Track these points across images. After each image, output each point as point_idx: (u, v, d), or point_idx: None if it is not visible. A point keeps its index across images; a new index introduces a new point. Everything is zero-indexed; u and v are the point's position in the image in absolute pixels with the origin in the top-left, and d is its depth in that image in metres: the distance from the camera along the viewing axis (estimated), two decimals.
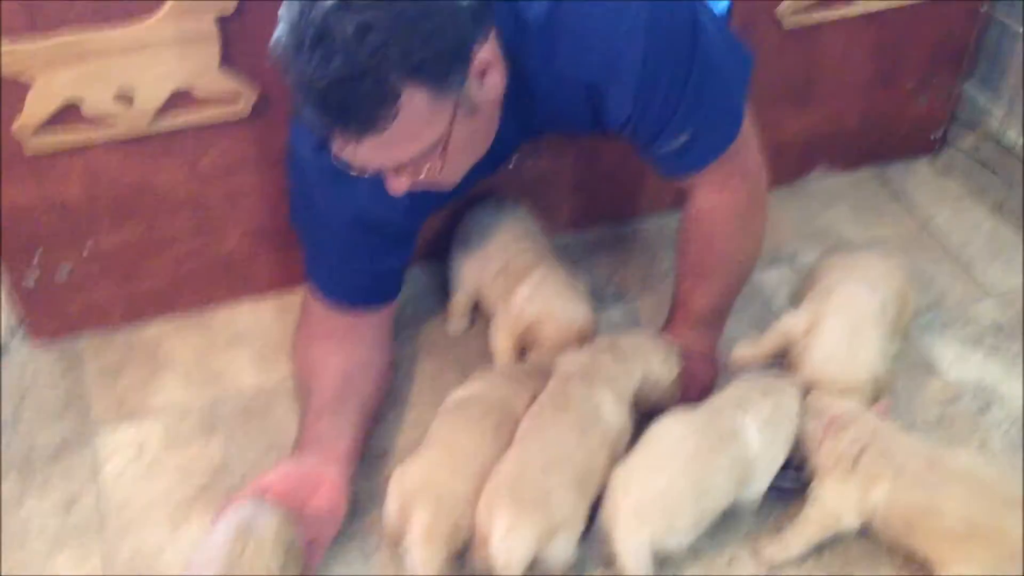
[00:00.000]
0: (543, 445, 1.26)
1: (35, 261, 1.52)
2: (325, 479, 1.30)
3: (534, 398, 1.36)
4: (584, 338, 1.48)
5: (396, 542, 1.27)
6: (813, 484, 1.32)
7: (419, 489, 1.26)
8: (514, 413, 1.35)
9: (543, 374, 1.39)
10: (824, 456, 1.31)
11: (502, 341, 1.54)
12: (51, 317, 1.60)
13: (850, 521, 1.29)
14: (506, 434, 1.32)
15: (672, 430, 1.29)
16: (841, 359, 1.40)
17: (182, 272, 1.62)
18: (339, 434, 1.35)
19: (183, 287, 1.64)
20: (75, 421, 1.51)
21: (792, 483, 1.34)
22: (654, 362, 1.38)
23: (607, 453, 1.30)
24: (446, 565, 1.24)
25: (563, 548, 1.24)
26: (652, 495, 1.23)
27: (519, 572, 1.20)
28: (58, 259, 1.53)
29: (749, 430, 1.30)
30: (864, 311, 1.43)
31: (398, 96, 1.06)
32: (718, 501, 1.28)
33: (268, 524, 1.18)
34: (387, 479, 1.40)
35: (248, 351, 1.62)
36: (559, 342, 1.47)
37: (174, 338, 1.64)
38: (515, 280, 1.54)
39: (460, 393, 1.40)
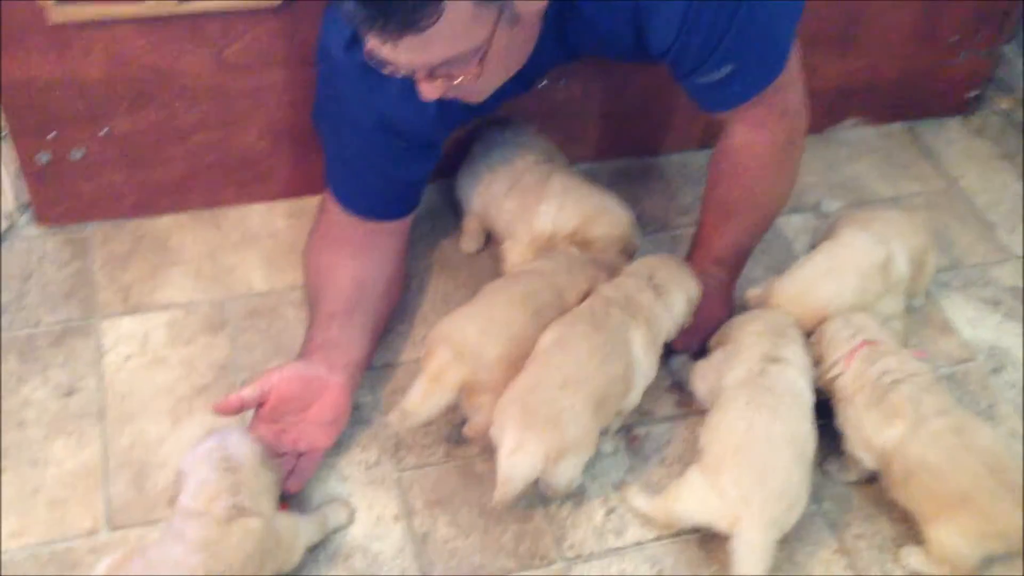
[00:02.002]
0: (565, 361, 1.24)
1: (48, 140, 1.48)
2: (331, 386, 1.29)
3: (589, 290, 1.36)
4: (631, 238, 1.50)
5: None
6: (837, 409, 1.31)
7: (446, 337, 1.28)
8: (563, 298, 1.35)
9: (606, 268, 1.40)
10: (850, 379, 1.30)
11: (518, 257, 1.51)
12: (60, 200, 1.56)
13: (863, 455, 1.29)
14: (549, 315, 1.32)
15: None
16: (801, 288, 1.40)
17: (198, 165, 1.58)
18: (349, 342, 1.33)
19: (197, 181, 1.60)
20: (79, 308, 1.49)
21: None
22: (692, 290, 1.37)
23: (624, 388, 1.29)
24: (437, 411, 1.27)
25: (570, 470, 1.23)
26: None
27: (519, 489, 1.20)
28: (72, 140, 1.49)
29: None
30: (855, 257, 1.42)
31: None
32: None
33: (252, 449, 1.19)
34: (391, 393, 1.40)
35: (258, 252, 1.59)
36: (612, 241, 1.48)
37: (184, 233, 1.61)
38: (532, 197, 1.51)
39: (522, 267, 1.41)
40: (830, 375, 1.33)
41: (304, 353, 1.33)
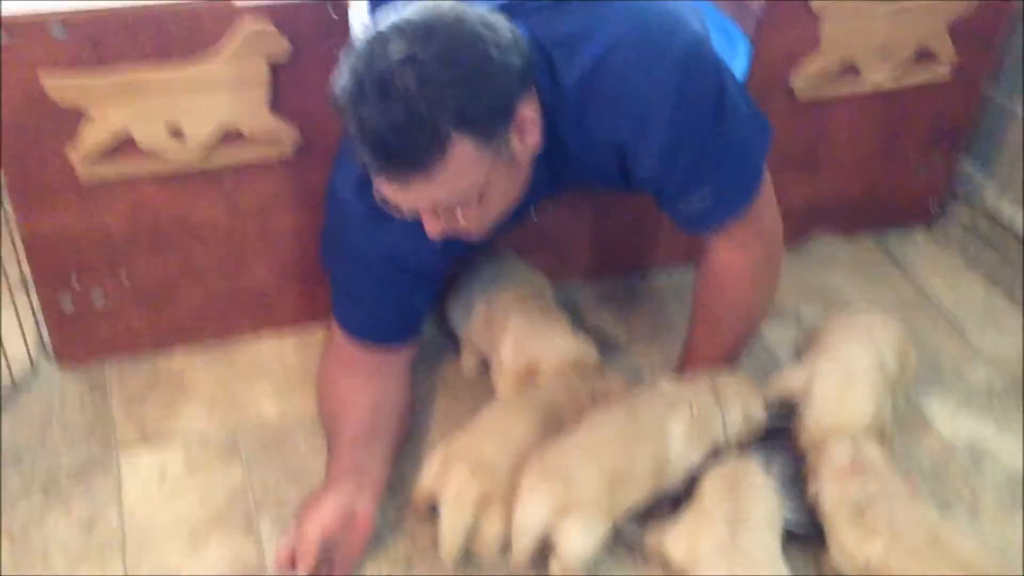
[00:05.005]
0: (590, 433, 1.34)
1: (70, 286, 1.57)
2: (359, 511, 1.35)
3: (582, 409, 1.44)
4: (589, 367, 1.55)
5: (425, 505, 1.38)
6: (825, 528, 1.35)
7: (459, 455, 1.35)
8: (561, 416, 1.43)
9: (602, 395, 1.48)
10: (832, 496, 1.35)
11: (505, 387, 1.58)
12: (81, 342, 1.64)
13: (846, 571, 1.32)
14: (554, 427, 1.41)
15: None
16: (834, 408, 1.46)
17: (211, 303, 1.67)
18: (371, 465, 1.40)
19: (210, 318, 1.69)
20: (100, 444, 1.55)
21: (802, 529, 1.38)
22: (752, 404, 1.46)
23: (654, 470, 1.36)
24: (467, 532, 1.32)
25: (578, 534, 1.28)
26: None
27: (531, 541, 1.27)
28: (93, 285, 1.59)
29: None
30: (856, 365, 1.49)
31: (448, 143, 1.14)
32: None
33: None
34: (398, 509, 1.46)
35: (269, 383, 1.67)
36: (564, 374, 1.53)
37: (198, 367, 1.69)
38: (498, 330, 1.60)
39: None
40: (815, 490, 1.37)
41: (331, 478, 1.39)
